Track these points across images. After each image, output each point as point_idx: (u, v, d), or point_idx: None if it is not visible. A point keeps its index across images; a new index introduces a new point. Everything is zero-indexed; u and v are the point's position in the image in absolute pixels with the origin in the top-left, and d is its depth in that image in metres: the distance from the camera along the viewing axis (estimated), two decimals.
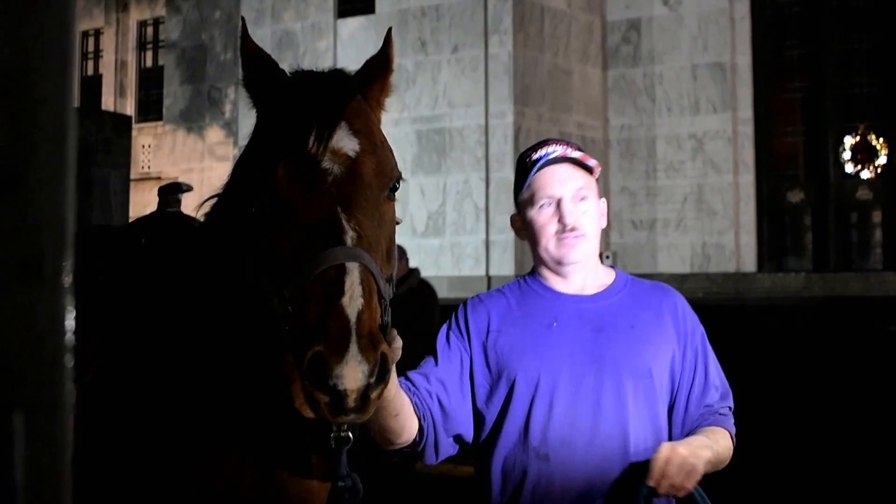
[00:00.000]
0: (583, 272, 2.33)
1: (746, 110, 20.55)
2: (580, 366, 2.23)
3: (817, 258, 20.27)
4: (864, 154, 19.71)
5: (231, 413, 1.93)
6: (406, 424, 2.16)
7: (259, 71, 1.91)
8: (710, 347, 2.39)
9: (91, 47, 29.49)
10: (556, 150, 2.32)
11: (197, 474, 1.96)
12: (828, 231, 20.21)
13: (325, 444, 1.82)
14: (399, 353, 1.82)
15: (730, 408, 2.38)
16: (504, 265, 20.67)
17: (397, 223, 1.91)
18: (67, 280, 0.67)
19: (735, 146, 20.54)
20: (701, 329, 2.39)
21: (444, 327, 2.38)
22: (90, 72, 29.46)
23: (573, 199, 2.27)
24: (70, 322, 0.67)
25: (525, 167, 2.37)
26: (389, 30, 2.06)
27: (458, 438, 2.31)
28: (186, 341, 1.99)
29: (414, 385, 2.24)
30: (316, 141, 1.74)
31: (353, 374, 1.54)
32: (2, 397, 0.64)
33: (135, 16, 28.49)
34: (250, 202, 1.79)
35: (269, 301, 1.72)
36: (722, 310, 13.90)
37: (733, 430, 2.35)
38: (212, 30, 25.48)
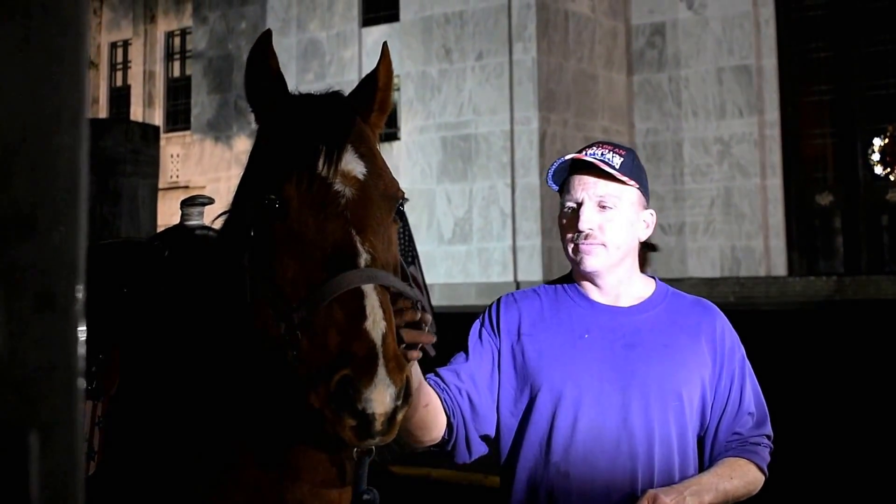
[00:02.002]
0: (615, 281, 2.26)
1: (773, 113, 20.42)
2: (608, 382, 2.16)
3: (848, 261, 20.08)
4: (893, 156, 19.52)
5: (249, 423, 1.94)
6: (434, 420, 2.14)
7: (265, 87, 1.90)
8: (749, 371, 2.30)
9: (119, 58, 29.78)
10: (593, 154, 2.22)
11: (219, 484, 1.97)
12: (858, 234, 20.02)
13: (346, 455, 1.82)
14: (418, 354, 1.82)
15: (767, 436, 2.29)
16: (532, 271, 20.64)
17: None
18: (78, 312, 0.73)
19: (762, 149, 20.41)
20: (740, 352, 2.30)
21: (477, 323, 2.34)
22: (118, 83, 29.75)
23: (594, 205, 2.20)
24: (81, 350, 0.73)
25: (565, 167, 2.29)
26: (385, 45, 2.03)
27: (486, 438, 2.27)
28: (204, 354, 2.01)
29: (444, 381, 2.21)
30: (325, 163, 1.74)
31: (381, 397, 1.54)
32: (20, 418, 0.70)
33: (162, 27, 28.76)
34: (250, 224, 1.78)
35: (271, 325, 1.72)
36: (753, 314, 13.79)
37: (766, 460, 2.26)
38: (238, 40, 25.69)
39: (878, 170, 19.63)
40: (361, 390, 1.53)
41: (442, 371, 2.25)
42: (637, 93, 21.92)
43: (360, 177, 1.77)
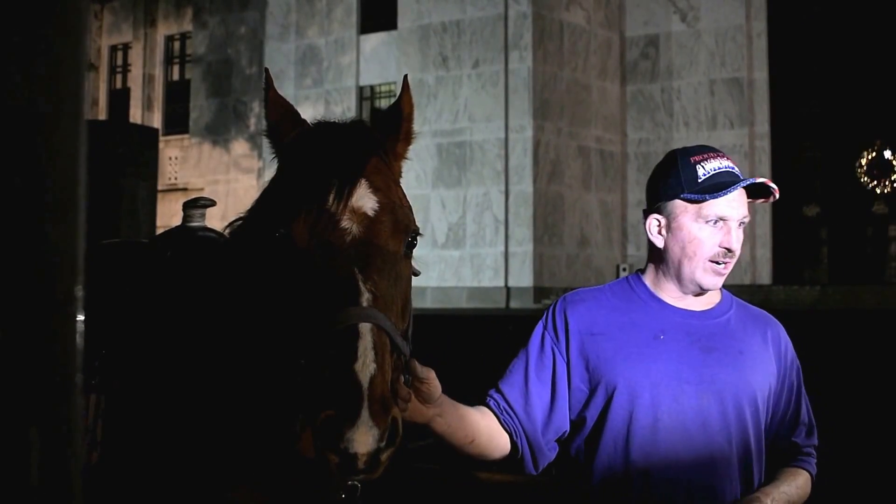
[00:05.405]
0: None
1: (764, 125, 20.60)
2: (686, 383, 2.16)
3: (833, 271, 20.24)
4: (879, 169, 19.74)
5: (245, 441, 1.99)
6: (490, 445, 2.17)
7: (282, 121, 1.94)
8: (803, 384, 2.35)
9: (119, 61, 29.87)
10: (728, 168, 2.20)
11: (218, 478, 2.03)
12: (843, 245, 20.18)
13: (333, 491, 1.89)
14: (437, 387, 1.88)
15: (815, 446, 2.35)
16: (523, 277, 20.79)
17: (416, 275, 1.93)
18: (77, 310, 0.76)
19: (752, 161, 20.59)
20: (798, 364, 2.35)
21: (539, 327, 2.29)
22: (118, 85, 29.83)
23: (739, 224, 2.20)
24: (79, 345, 0.77)
25: (693, 174, 2.20)
26: (405, 77, 2.05)
27: (558, 443, 2.27)
28: (204, 355, 2.06)
29: (505, 399, 2.22)
30: (335, 199, 1.76)
31: (363, 438, 1.56)
32: (20, 413, 0.71)
33: (162, 31, 28.87)
34: (264, 252, 1.83)
35: (281, 348, 1.78)
36: None
37: (815, 470, 2.32)
38: (237, 44, 25.83)
39: (865, 182, 19.84)
40: (344, 431, 1.55)
41: (503, 386, 2.22)
42: (630, 103, 22.09)
43: (371, 212, 1.77)
